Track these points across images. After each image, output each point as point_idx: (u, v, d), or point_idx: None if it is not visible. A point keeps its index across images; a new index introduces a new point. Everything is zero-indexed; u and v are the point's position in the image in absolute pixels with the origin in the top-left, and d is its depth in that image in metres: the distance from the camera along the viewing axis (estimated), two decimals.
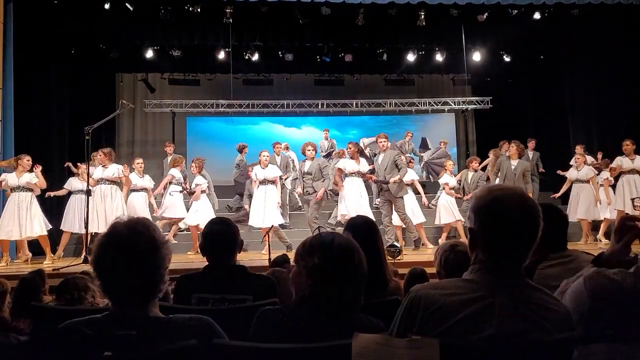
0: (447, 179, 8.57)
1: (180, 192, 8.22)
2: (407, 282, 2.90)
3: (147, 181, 8.14)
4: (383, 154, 7.64)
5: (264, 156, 7.73)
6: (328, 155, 10.81)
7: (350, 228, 2.36)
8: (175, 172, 8.27)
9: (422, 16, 9.43)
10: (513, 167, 7.64)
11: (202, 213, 7.79)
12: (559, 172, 8.84)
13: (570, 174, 8.45)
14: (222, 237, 2.57)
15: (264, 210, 7.53)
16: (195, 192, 7.99)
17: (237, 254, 2.62)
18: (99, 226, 7.07)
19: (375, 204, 8.27)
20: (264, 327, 1.53)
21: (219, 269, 2.51)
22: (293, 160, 10.03)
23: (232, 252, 2.58)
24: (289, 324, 1.50)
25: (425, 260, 5.35)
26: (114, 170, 7.36)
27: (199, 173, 8.20)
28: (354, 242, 1.60)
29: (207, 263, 2.56)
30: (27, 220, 6.77)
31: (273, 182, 7.70)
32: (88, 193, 6.74)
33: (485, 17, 9.60)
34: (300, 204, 9.72)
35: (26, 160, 6.91)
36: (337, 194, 7.74)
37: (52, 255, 7.16)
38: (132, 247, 1.42)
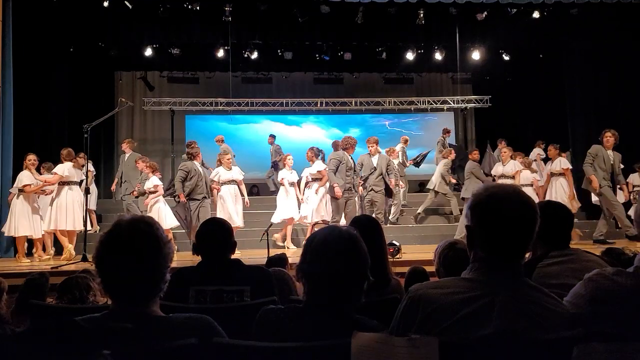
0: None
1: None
2: (408, 281, 2.90)
3: (237, 173, 8.00)
4: (374, 157, 7.74)
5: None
6: (275, 165, 10.65)
7: (353, 225, 2.38)
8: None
9: (422, 15, 9.44)
10: (611, 157, 7.35)
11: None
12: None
13: (496, 169, 8.40)
14: (215, 237, 2.56)
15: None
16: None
17: (231, 255, 2.61)
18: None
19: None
20: (265, 326, 1.53)
21: (214, 264, 2.51)
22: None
23: (226, 253, 2.57)
24: (289, 323, 1.50)
25: (424, 259, 5.35)
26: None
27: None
28: (355, 235, 1.60)
29: None
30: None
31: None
32: (87, 191, 6.76)
33: (484, 15, 9.61)
34: None
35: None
36: None
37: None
38: (134, 245, 1.41)
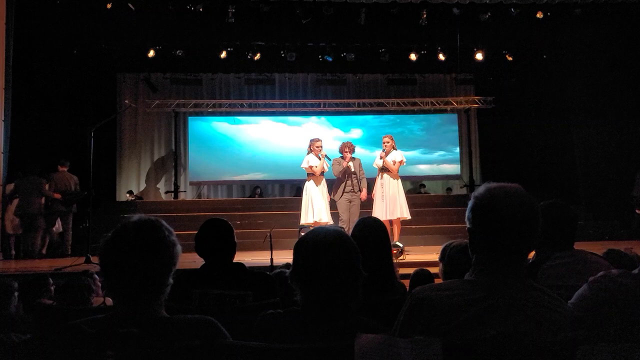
0: None
1: None
2: (412, 284, 2.88)
3: None
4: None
5: None
6: None
7: (359, 227, 2.37)
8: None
9: (425, 15, 9.44)
10: None
11: None
12: None
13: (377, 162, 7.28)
14: (216, 239, 2.52)
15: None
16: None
17: (233, 255, 2.58)
18: None
19: None
20: (265, 331, 1.52)
21: (217, 267, 2.48)
22: None
23: (228, 255, 2.54)
24: (289, 327, 1.49)
25: (428, 260, 5.34)
26: None
27: None
28: (342, 231, 1.58)
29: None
30: None
31: None
32: (89, 192, 6.78)
33: (487, 16, 9.60)
34: None
35: None
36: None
37: None
38: (139, 246, 1.41)
